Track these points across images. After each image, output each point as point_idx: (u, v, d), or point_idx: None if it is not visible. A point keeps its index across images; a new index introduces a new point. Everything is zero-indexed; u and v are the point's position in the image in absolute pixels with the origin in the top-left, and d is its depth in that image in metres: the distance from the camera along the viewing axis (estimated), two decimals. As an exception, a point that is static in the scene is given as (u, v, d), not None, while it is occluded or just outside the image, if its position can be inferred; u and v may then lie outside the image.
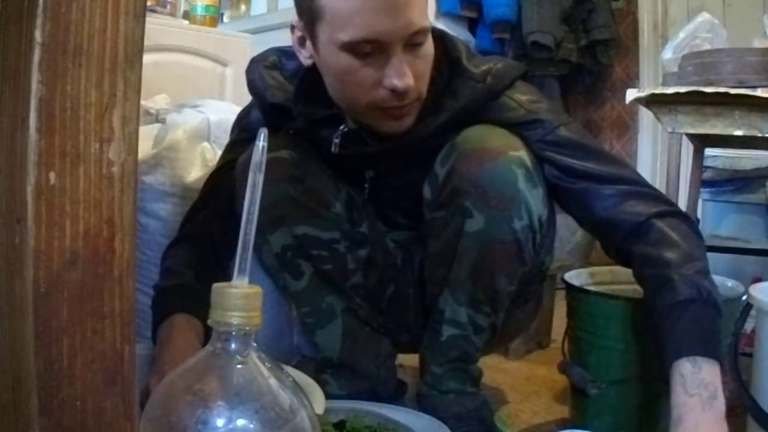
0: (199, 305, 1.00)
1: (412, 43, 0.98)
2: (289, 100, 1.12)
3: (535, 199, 1.03)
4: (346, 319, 1.13)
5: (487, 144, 1.03)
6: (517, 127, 1.06)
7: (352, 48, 0.97)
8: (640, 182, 1.05)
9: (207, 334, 0.84)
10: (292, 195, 1.08)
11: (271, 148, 1.09)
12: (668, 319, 0.91)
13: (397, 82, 0.97)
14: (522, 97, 1.09)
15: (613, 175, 1.04)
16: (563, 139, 1.06)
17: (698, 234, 1.02)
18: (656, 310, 0.93)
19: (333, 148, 1.12)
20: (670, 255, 0.95)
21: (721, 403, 0.85)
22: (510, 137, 1.05)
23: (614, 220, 1.02)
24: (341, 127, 1.12)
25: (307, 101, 1.11)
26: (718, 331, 0.91)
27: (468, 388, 1.11)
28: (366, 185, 1.16)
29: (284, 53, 1.19)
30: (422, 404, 1.11)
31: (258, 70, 1.17)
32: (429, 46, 1.03)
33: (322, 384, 1.03)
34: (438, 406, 1.08)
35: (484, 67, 1.09)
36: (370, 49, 0.96)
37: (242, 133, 1.23)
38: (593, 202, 1.04)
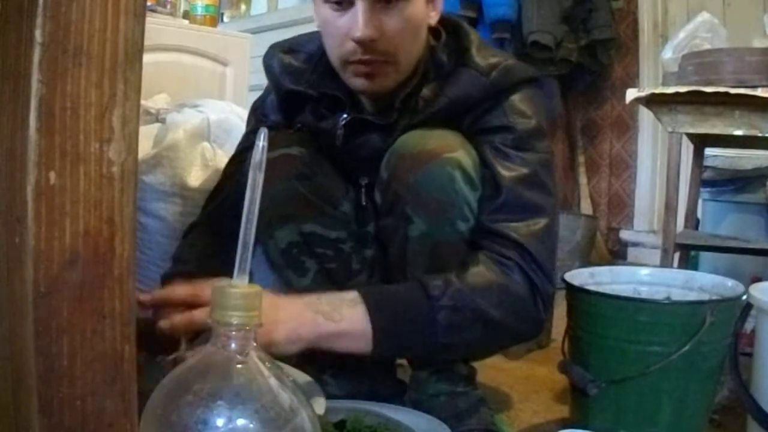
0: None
1: None
2: (302, 82, 1.14)
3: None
4: None
5: (423, 147, 1.02)
6: (493, 131, 1.06)
7: None
8: (539, 224, 1.04)
9: None
10: (302, 192, 1.09)
11: (283, 144, 1.11)
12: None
13: (356, 31, 1.00)
14: (517, 107, 1.07)
15: (523, 200, 1.03)
16: (512, 155, 1.04)
17: (513, 294, 1.02)
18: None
19: (337, 141, 1.12)
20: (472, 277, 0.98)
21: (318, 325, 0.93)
22: (448, 137, 1.05)
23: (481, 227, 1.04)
24: (343, 116, 1.12)
25: (320, 77, 1.14)
26: (404, 331, 0.96)
27: (459, 388, 1.10)
28: (363, 191, 1.16)
29: (302, 42, 1.21)
30: (417, 409, 1.11)
31: (276, 55, 1.19)
32: (409, 8, 1.02)
33: (322, 384, 1.03)
34: (432, 409, 1.08)
35: (492, 61, 1.09)
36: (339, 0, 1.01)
37: (258, 123, 1.24)
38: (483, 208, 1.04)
